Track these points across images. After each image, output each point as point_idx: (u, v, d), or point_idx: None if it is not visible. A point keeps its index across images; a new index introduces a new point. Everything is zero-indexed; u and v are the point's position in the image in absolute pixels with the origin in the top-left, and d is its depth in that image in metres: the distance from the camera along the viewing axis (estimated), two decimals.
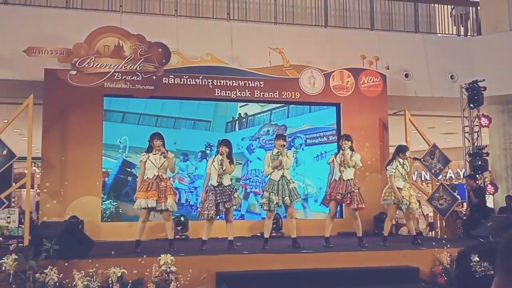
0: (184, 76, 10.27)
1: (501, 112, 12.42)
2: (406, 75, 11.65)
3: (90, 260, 6.01)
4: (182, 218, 9.61)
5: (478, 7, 12.82)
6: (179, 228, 9.37)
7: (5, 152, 9.19)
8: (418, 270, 6.85)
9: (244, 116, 10.92)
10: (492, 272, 1.14)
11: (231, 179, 7.65)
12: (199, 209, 7.56)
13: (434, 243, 7.77)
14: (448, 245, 7.18)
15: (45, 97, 9.60)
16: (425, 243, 7.95)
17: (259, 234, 9.10)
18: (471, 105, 11.19)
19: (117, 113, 10.28)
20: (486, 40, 12.21)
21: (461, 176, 15.61)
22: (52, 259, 5.84)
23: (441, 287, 6.66)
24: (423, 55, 11.91)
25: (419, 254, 7.20)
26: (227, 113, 10.86)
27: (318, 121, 11.10)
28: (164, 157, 7.27)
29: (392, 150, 9.09)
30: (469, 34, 12.98)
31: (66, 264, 5.90)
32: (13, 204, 14.89)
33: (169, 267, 5.99)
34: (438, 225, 10.83)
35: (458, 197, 10.80)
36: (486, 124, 11.25)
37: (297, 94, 10.73)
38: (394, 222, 9.95)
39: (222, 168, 7.27)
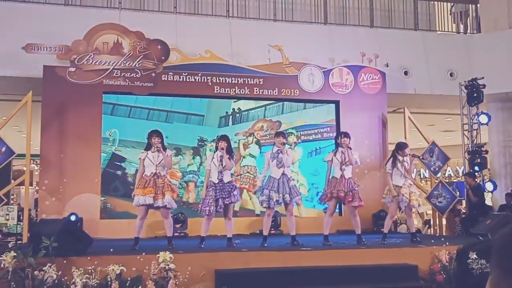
0: (183, 73, 10.25)
1: (500, 110, 12.42)
2: (406, 73, 11.65)
3: (89, 258, 6.01)
4: (181, 216, 9.61)
5: (478, 5, 12.82)
6: (178, 225, 9.36)
7: (3, 149, 9.18)
8: (416, 267, 6.85)
9: (238, 111, 10.84)
10: (489, 269, 1.14)
11: (231, 175, 7.63)
12: (200, 205, 7.55)
13: (432, 241, 7.77)
14: (447, 243, 7.19)
15: (44, 94, 9.58)
16: (423, 241, 7.95)
17: (258, 232, 9.10)
18: (471, 102, 11.19)
19: (107, 105, 10.06)
20: (485, 38, 12.21)
21: (460, 174, 15.61)
22: (50, 256, 5.83)
23: (440, 284, 6.66)
24: (423, 53, 11.91)
25: (417, 251, 7.20)
26: (220, 108, 10.77)
27: (313, 117, 11.06)
28: (158, 150, 7.25)
29: (391, 147, 9.08)
30: (468, 31, 12.98)
31: (65, 261, 5.89)
32: (11, 202, 14.88)
33: (168, 265, 5.99)
34: (437, 222, 10.84)
35: (457, 194, 10.80)
36: (486, 122, 11.25)
37: (296, 91, 10.72)
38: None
39: (222, 164, 7.27)
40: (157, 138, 7.33)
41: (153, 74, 10.02)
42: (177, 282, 5.98)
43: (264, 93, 10.62)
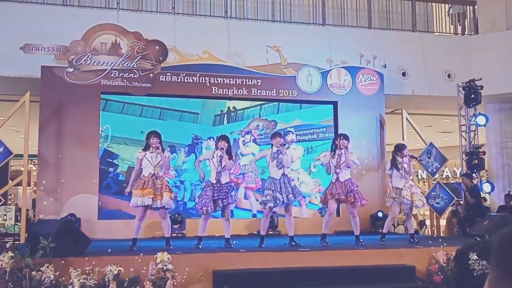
0: (181, 74, 10.25)
1: (497, 111, 12.45)
2: (404, 74, 11.66)
3: (86, 258, 6.00)
4: (178, 216, 9.60)
5: (476, 6, 12.84)
6: (175, 226, 9.36)
7: (1, 149, 9.17)
8: (414, 268, 6.86)
9: (233, 109, 10.82)
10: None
11: (229, 173, 7.62)
12: (196, 205, 7.54)
13: (430, 242, 7.78)
14: (444, 244, 7.20)
15: (42, 94, 9.57)
16: (421, 242, 7.96)
17: (255, 232, 9.10)
18: (468, 104, 11.21)
19: (100, 100, 9.97)
20: (483, 39, 12.23)
21: (458, 175, 15.64)
22: (48, 257, 5.82)
23: (437, 285, 6.67)
24: (421, 54, 11.92)
25: (415, 252, 7.21)
26: (215, 106, 10.74)
27: (309, 117, 11.06)
28: (157, 151, 7.24)
29: (389, 148, 9.10)
30: (466, 33, 13.00)
31: (63, 262, 5.89)
32: (9, 202, 14.86)
33: (166, 265, 5.99)
34: (435, 223, 10.86)
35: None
36: (483, 123, 11.27)
37: (294, 92, 10.73)
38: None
39: (221, 165, 7.26)
40: (155, 138, 7.33)
41: (151, 75, 10.02)
42: (175, 283, 5.98)
43: (262, 94, 10.62)
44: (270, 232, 8.72)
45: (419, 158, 10.45)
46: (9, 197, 15.63)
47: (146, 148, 7.41)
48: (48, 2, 10.55)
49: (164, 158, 7.28)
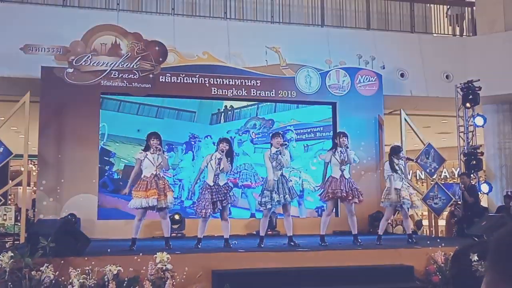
0: (180, 75, 10.28)
1: (496, 112, 12.48)
2: (402, 75, 11.69)
3: (86, 258, 6.02)
4: (177, 216, 9.63)
5: (474, 7, 12.87)
6: (175, 226, 9.38)
7: (1, 149, 9.19)
8: (412, 268, 6.89)
9: (230, 108, 10.83)
10: None
11: (226, 174, 7.64)
12: (195, 207, 7.56)
13: (428, 242, 7.81)
14: (443, 244, 7.23)
15: (42, 95, 9.59)
16: (419, 242, 7.99)
17: (254, 232, 9.12)
18: (466, 104, 11.24)
19: (100, 101, 9.96)
20: (481, 40, 12.26)
21: (456, 176, 15.66)
22: (48, 256, 5.84)
23: (436, 285, 6.70)
24: (419, 55, 11.96)
25: (413, 252, 7.24)
26: (212, 105, 10.74)
27: (306, 117, 11.09)
28: (158, 152, 7.28)
29: (387, 149, 9.13)
30: (464, 34, 13.03)
31: (62, 261, 5.90)
32: (9, 202, 14.87)
33: (165, 265, 6.01)
34: (433, 224, 10.89)
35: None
36: (481, 124, 11.30)
37: (293, 93, 10.76)
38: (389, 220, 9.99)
39: (219, 167, 7.27)
40: (155, 139, 7.36)
41: (151, 76, 10.04)
42: (174, 283, 6.00)
43: (261, 94, 10.65)
44: (269, 232, 8.74)
45: (417, 159, 10.52)
46: (9, 197, 15.64)
47: (147, 149, 7.43)
48: (48, 2, 10.58)
49: (164, 159, 7.31)
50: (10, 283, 5.69)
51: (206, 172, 7.48)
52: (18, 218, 9.98)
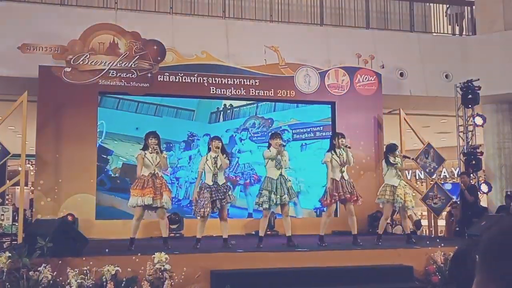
0: (179, 74, 10.24)
1: (495, 112, 12.46)
2: (401, 74, 11.67)
3: (84, 258, 6.00)
4: (175, 216, 9.59)
5: (473, 7, 12.85)
6: (173, 226, 9.35)
7: None
8: (412, 268, 6.87)
9: (229, 107, 10.79)
10: None
11: (225, 172, 7.61)
12: (193, 207, 7.52)
13: (428, 242, 7.79)
14: (442, 244, 7.21)
15: (40, 94, 9.55)
16: (419, 242, 7.97)
17: (253, 233, 9.09)
18: (466, 104, 11.22)
19: (98, 100, 9.89)
20: (481, 40, 12.24)
21: (456, 175, 15.66)
22: (46, 257, 5.82)
23: (435, 285, 6.68)
24: (418, 54, 11.94)
25: (413, 252, 7.23)
26: (211, 103, 10.69)
27: (305, 116, 11.05)
28: (156, 152, 7.24)
29: None
30: (464, 33, 13.01)
31: (60, 262, 5.88)
32: (7, 202, 14.84)
33: (164, 265, 5.99)
34: (433, 224, 10.86)
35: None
36: (481, 124, 11.28)
37: (292, 92, 10.73)
38: (389, 220, 9.97)
39: (216, 166, 7.24)
40: (154, 139, 7.33)
41: (149, 75, 10.01)
42: (172, 283, 5.98)
43: (260, 94, 10.62)
44: (267, 233, 8.72)
45: (417, 159, 10.49)
46: (7, 197, 15.62)
47: (145, 148, 7.40)
48: (46, 1, 10.53)
49: (162, 159, 7.28)
50: (7, 284, 5.66)
51: (204, 174, 7.44)
52: (16, 218, 9.95)
